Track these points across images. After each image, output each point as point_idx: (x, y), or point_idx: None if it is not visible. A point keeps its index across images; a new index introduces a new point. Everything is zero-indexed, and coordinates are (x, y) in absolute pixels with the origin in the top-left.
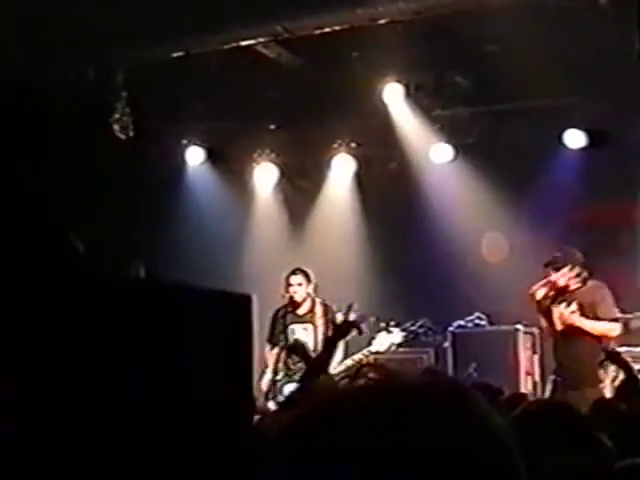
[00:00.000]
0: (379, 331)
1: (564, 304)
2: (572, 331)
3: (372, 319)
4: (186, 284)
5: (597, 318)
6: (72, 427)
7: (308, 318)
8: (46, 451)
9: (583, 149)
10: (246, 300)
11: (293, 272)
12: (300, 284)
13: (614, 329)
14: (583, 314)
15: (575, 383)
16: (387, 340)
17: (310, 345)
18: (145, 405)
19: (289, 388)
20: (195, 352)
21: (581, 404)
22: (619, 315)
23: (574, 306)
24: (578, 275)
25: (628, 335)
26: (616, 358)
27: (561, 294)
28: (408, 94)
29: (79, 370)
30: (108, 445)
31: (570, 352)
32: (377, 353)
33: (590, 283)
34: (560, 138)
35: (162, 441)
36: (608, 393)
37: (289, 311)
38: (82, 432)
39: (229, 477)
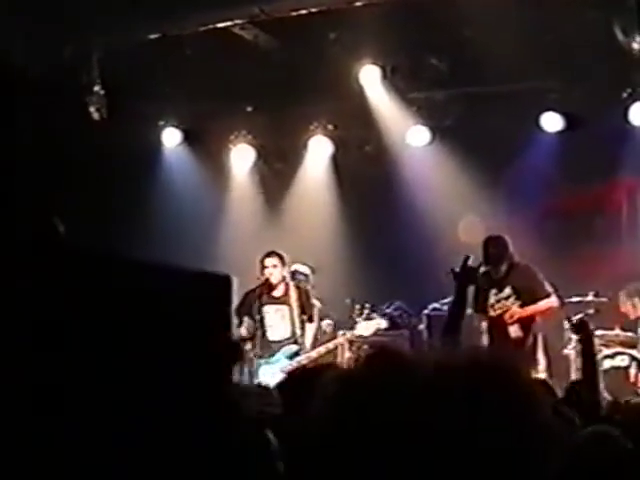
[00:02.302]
0: (359, 316)
1: (494, 290)
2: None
3: (347, 301)
4: (165, 263)
5: (534, 298)
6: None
7: (283, 300)
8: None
9: (560, 132)
10: (226, 280)
11: (268, 254)
12: (275, 266)
13: (553, 302)
14: (519, 297)
15: None
16: (372, 325)
17: (285, 326)
18: (123, 389)
19: (264, 370)
20: (175, 333)
21: None
22: (551, 289)
23: (508, 290)
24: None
25: (602, 319)
26: (582, 328)
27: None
28: (385, 76)
29: (63, 352)
30: (97, 421)
31: (507, 335)
32: (360, 337)
33: (518, 264)
34: (537, 121)
35: (140, 428)
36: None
37: (264, 292)
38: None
39: (209, 457)
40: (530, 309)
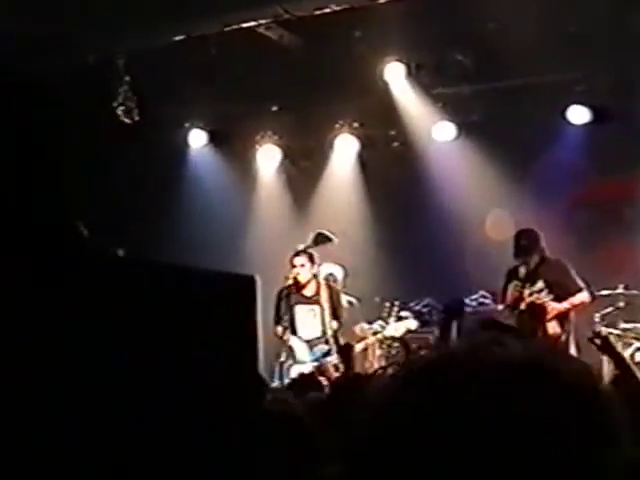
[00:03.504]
0: (389, 316)
1: (527, 284)
2: (539, 309)
3: (377, 299)
4: (189, 266)
5: (567, 293)
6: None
7: (315, 299)
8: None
9: (587, 124)
10: (250, 281)
11: (297, 253)
12: (303, 265)
13: (586, 297)
14: (551, 291)
15: None
16: (402, 326)
17: (316, 325)
18: (150, 390)
19: (295, 370)
20: (200, 335)
21: None
22: (583, 284)
23: (540, 284)
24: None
25: (632, 312)
26: (604, 345)
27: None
28: (409, 73)
29: (84, 354)
30: (112, 426)
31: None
32: (392, 338)
33: (549, 259)
34: (563, 114)
35: (167, 429)
36: None
37: (293, 292)
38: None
39: (235, 456)
40: (567, 303)
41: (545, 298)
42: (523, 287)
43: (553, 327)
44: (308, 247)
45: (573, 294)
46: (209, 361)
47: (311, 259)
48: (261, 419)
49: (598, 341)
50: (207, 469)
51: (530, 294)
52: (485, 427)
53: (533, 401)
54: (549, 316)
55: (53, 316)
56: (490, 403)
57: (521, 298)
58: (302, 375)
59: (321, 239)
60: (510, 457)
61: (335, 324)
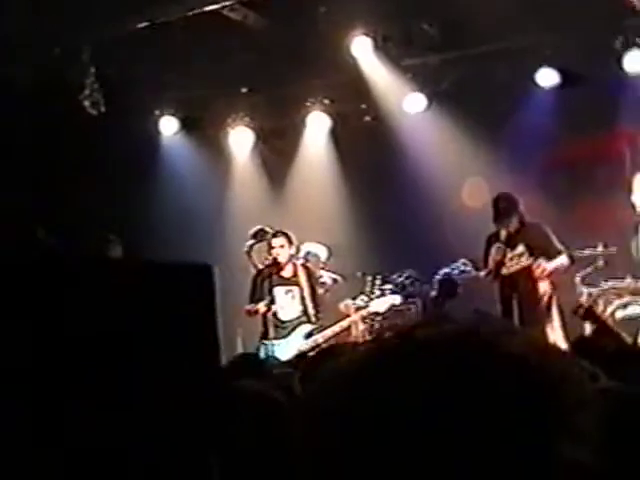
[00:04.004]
0: (372, 291)
1: (508, 248)
2: (521, 272)
3: (358, 274)
4: (145, 259)
5: (547, 257)
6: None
7: (293, 280)
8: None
9: (557, 87)
10: (207, 270)
11: (275, 234)
12: (282, 246)
13: (565, 261)
14: (531, 255)
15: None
16: (386, 301)
17: (296, 306)
18: (112, 381)
19: (278, 350)
20: (160, 325)
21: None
22: (562, 247)
23: (521, 248)
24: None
25: (612, 269)
26: (587, 315)
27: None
28: (377, 46)
29: (51, 351)
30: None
31: (522, 292)
32: (376, 314)
33: (529, 223)
34: (533, 78)
35: (130, 418)
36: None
37: (273, 272)
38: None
39: (199, 444)
40: (554, 264)
41: (526, 262)
42: (505, 250)
43: (544, 287)
44: (250, 244)
45: (553, 257)
46: (170, 350)
47: (289, 240)
48: (222, 404)
49: (582, 311)
50: (167, 456)
51: (511, 258)
52: (417, 402)
53: (468, 372)
54: (542, 275)
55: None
56: (426, 380)
57: (503, 263)
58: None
59: (260, 235)
60: (441, 433)
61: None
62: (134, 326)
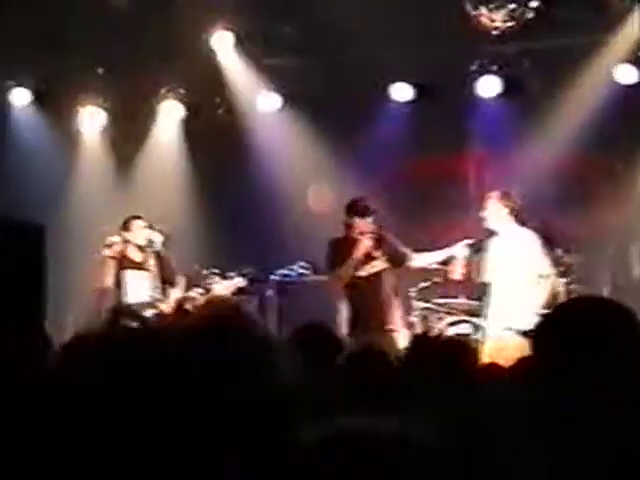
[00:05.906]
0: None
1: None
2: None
3: (195, 267)
4: None
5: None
6: None
7: (142, 266)
8: None
9: (411, 102)
10: (38, 230)
11: (128, 219)
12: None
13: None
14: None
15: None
16: (231, 283)
17: (144, 291)
18: None
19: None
20: None
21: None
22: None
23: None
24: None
25: (447, 287)
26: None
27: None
28: (237, 42)
29: None
30: None
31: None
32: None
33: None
34: (387, 90)
35: None
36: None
37: (124, 256)
38: None
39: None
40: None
41: (382, 266)
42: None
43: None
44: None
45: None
46: None
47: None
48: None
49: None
50: None
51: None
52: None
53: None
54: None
55: None
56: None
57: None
58: None
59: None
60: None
61: (176, 291)
62: None
